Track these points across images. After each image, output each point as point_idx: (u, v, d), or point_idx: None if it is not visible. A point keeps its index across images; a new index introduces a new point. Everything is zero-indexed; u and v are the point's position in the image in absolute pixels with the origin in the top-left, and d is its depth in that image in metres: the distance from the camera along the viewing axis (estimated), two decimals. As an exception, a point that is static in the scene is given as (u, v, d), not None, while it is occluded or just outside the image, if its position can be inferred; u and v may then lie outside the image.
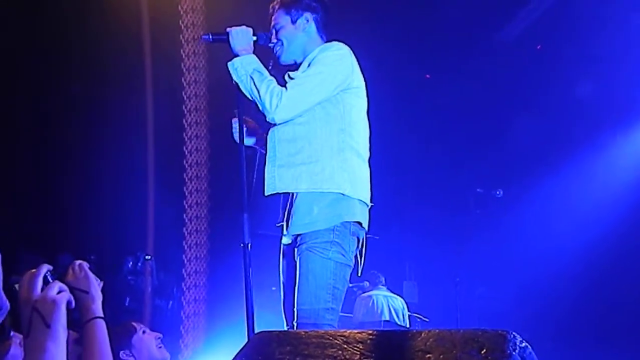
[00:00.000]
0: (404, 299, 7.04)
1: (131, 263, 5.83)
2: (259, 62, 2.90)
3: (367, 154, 2.98)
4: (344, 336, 1.52)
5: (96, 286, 1.83)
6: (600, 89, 6.75)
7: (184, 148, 6.99)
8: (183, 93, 6.95)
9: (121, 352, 2.92)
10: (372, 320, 6.57)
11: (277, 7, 3.04)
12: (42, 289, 1.55)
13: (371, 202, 2.94)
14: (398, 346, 1.50)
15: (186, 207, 6.98)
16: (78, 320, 1.78)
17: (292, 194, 2.83)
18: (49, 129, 6.17)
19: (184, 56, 6.91)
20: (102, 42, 6.06)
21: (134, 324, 3.08)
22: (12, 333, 2.33)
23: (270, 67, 2.95)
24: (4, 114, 5.81)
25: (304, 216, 2.78)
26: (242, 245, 2.79)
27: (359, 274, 2.94)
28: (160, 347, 3.07)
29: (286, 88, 2.82)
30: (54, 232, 5.86)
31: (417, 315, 6.88)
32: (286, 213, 2.84)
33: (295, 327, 2.73)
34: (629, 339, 6.48)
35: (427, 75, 7.91)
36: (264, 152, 2.96)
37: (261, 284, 3.19)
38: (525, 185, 7.34)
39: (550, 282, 7.10)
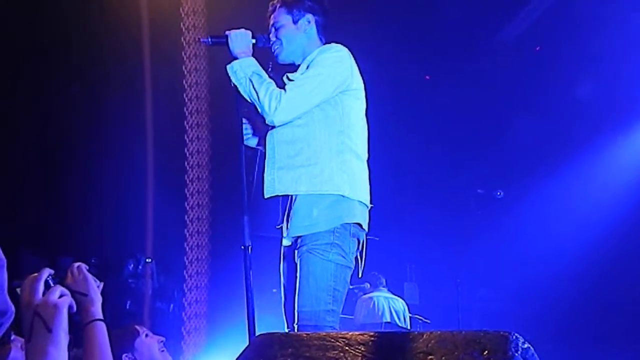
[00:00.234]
0: (405, 300, 7.03)
1: (132, 266, 5.83)
2: (258, 64, 2.90)
3: (365, 155, 2.97)
4: (345, 338, 1.52)
5: (95, 288, 1.81)
6: (600, 89, 6.74)
7: (186, 150, 6.99)
8: (184, 95, 6.96)
9: (124, 355, 2.91)
10: (373, 322, 6.56)
11: (278, 5, 3.01)
12: (44, 294, 1.55)
13: (371, 203, 2.93)
14: (400, 348, 1.50)
15: (187, 208, 6.97)
16: (78, 323, 1.77)
17: (292, 196, 2.83)
18: (49, 129, 6.17)
19: (185, 58, 6.91)
20: (102, 42, 6.06)
21: (136, 327, 3.07)
22: (12, 336, 2.32)
23: (269, 70, 2.95)
24: (4, 114, 5.81)
25: (304, 218, 2.78)
26: (242, 247, 2.79)
27: (360, 276, 2.93)
28: (162, 351, 3.06)
29: (285, 90, 2.81)
30: (54, 234, 5.86)
31: (418, 317, 6.86)
32: (286, 215, 2.84)
33: (296, 329, 2.72)
34: (629, 339, 6.48)
35: (427, 77, 7.90)
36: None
37: (262, 286, 3.18)
38: (526, 186, 7.32)
39: (551, 283, 7.10)
